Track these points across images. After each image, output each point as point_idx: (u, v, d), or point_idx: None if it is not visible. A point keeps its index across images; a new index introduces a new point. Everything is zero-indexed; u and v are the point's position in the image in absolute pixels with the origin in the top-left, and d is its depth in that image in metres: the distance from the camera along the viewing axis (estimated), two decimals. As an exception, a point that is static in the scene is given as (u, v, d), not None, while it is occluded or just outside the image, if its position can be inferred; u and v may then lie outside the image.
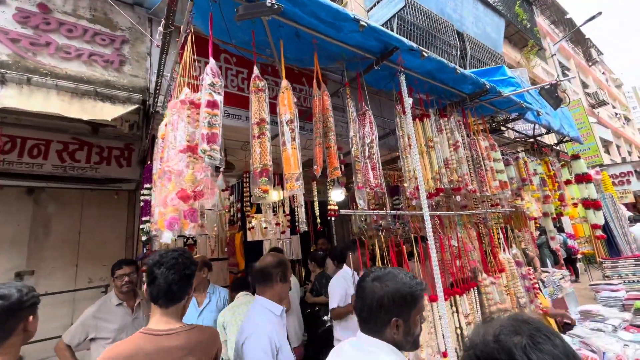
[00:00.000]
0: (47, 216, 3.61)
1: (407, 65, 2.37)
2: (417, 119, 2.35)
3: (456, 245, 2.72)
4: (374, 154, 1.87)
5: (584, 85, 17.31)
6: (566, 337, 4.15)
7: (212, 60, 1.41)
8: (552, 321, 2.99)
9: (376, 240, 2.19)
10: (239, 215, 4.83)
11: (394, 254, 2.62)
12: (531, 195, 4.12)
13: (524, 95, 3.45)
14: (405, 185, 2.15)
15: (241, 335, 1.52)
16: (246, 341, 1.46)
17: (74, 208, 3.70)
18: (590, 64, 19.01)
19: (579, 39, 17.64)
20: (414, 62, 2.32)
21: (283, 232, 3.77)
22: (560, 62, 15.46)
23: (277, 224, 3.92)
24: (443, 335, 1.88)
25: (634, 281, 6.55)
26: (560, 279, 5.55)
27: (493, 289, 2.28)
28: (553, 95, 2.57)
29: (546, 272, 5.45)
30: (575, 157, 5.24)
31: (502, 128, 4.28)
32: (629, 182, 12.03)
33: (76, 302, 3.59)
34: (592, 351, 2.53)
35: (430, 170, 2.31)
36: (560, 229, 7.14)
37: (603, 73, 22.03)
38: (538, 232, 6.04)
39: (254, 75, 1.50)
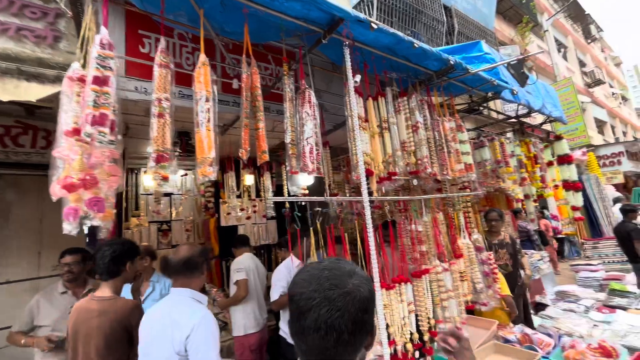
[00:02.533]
0: (6, 204, 3.50)
1: (361, 39, 2.18)
2: (370, 98, 2.18)
3: (421, 230, 2.63)
4: (311, 137, 1.72)
5: (581, 64, 16.86)
6: (535, 318, 4.17)
7: (103, 30, 1.24)
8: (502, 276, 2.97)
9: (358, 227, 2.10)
10: (213, 200, 4.74)
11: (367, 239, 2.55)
12: (507, 178, 4.01)
13: (498, 72, 3.26)
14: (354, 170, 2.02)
15: (181, 332, 1.39)
16: (192, 334, 1.37)
17: (33, 195, 3.58)
18: (589, 41, 18.45)
19: (578, 15, 17.01)
20: (368, 36, 2.13)
21: (248, 218, 3.68)
22: (557, 39, 14.97)
23: (242, 209, 3.82)
24: (391, 325, 1.82)
25: (613, 262, 6.60)
26: (539, 260, 5.55)
27: (445, 276, 2.20)
28: (519, 71, 2.40)
29: (525, 254, 5.43)
30: (558, 137, 5.10)
31: (478, 108, 4.10)
32: (619, 162, 11.94)
33: (40, 290, 3.53)
34: (549, 335, 2.49)
35: (383, 154, 2.18)
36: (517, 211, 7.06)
37: (602, 51, 21.46)
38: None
39: (160, 48, 1.33)
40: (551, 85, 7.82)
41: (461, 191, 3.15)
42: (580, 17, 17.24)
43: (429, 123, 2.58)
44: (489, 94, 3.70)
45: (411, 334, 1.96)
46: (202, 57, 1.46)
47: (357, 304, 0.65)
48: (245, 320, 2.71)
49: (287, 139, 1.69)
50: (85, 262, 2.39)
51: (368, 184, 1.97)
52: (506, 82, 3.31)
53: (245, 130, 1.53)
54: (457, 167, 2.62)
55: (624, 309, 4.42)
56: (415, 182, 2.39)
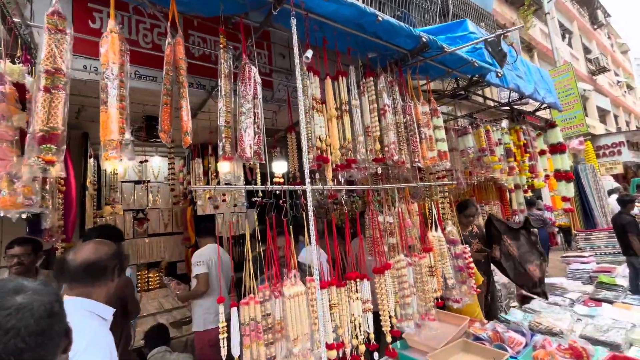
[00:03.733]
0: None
1: (319, 11, 1.95)
2: (328, 77, 1.97)
3: (391, 221, 2.46)
4: (249, 119, 1.53)
5: (586, 51, 16.32)
6: (518, 312, 4.05)
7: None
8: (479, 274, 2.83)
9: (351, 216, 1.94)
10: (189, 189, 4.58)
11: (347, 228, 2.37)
12: (493, 167, 3.81)
13: (483, 54, 3.02)
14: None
15: None
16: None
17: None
18: (595, 27, 17.80)
19: (585, -1, 16.35)
20: (327, 7, 1.90)
21: (217, 207, 3.53)
22: (562, 25, 14.44)
23: (210, 197, 3.67)
24: (337, 325, 1.67)
25: (605, 253, 6.45)
26: (527, 252, 5.41)
27: (409, 271, 2.04)
28: (496, 49, 2.17)
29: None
30: (552, 125, 4.86)
31: (464, 93, 3.86)
32: (619, 152, 11.67)
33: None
34: (522, 333, 2.35)
35: (343, 139, 1.99)
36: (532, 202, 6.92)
37: (609, 37, 20.76)
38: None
39: (51, 10, 1.13)
40: (550, 71, 7.50)
41: (439, 181, 2.98)
42: (587, 1, 16.58)
43: (399, 107, 2.37)
44: (475, 77, 3.46)
45: (368, 334, 1.82)
46: (111, 24, 1.26)
47: (31, 321, 0.61)
48: (205, 315, 2.59)
49: (221, 121, 1.50)
50: (36, 253, 2.25)
51: (321, 171, 1.79)
52: (491, 64, 3.07)
53: (164, 109, 1.34)
54: (429, 154, 2.43)
55: (611, 302, 4.29)
56: (379, 170, 2.21)
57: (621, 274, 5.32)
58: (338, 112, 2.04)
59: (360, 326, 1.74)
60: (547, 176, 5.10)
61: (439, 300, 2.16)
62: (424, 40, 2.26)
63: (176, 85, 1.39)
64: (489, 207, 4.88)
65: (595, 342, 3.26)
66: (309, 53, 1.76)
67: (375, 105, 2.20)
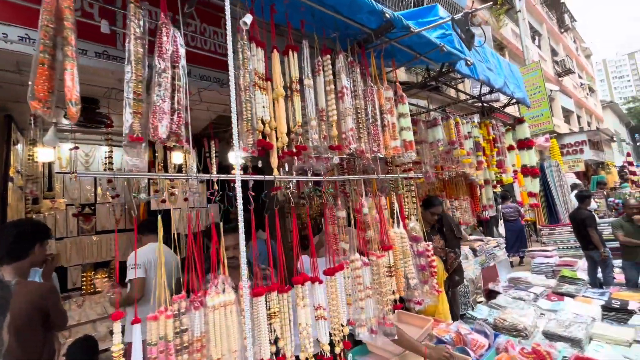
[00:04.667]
0: None
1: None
2: (276, 51, 1.71)
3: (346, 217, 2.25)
4: (165, 91, 1.24)
5: (554, 53, 16.99)
6: (484, 307, 4.01)
7: None
8: (440, 264, 2.71)
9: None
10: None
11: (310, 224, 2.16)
12: (462, 161, 3.71)
13: (453, 41, 2.85)
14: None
15: None
16: None
17: None
18: (562, 30, 18.58)
19: (554, 2, 16.97)
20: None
21: (163, 202, 3.18)
22: (532, 27, 14.88)
23: (157, 191, 3.32)
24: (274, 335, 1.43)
25: (567, 247, 6.66)
26: (495, 247, 5.43)
27: (365, 272, 1.84)
28: (464, 28, 1.99)
29: (480, 240, 5.28)
30: (520, 121, 4.85)
31: (435, 83, 3.72)
32: (582, 151, 12.24)
33: None
34: (485, 334, 2.23)
35: (292, 122, 1.73)
36: (505, 196, 7.04)
37: (574, 41, 21.78)
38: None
39: None
40: (520, 69, 7.61)
41: (405, 173, 2.80)
42: (555, 5, 17.23)
43: (360, 90, 2.14)
44: (445, 67, 3.31)
45: (320, 344, 1.60)
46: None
47: None
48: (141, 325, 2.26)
49: (129, 93, 1.20)
50: None
51: (261, 159, 1.53)
52: (461, 51, 2.91)
53: (40, 69, 1.02)
54: (393, 143, 2.23)
55: (573, 296, 4.37)
56: (336, 159, 1.98)
57: (582, 268, 5.46)
58: (288, 92, 1.78)
59: (305, 337, 1.51)
60: (515, 171, 5.12)
61: (398, 303, 1.97)
62: (387, 16, 2.04)
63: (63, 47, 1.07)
64: (459, 202, 4.82)
65: (558, 337, 3.24)
66: (247, 18, 1.48)
67: (332, 86, 1.96)
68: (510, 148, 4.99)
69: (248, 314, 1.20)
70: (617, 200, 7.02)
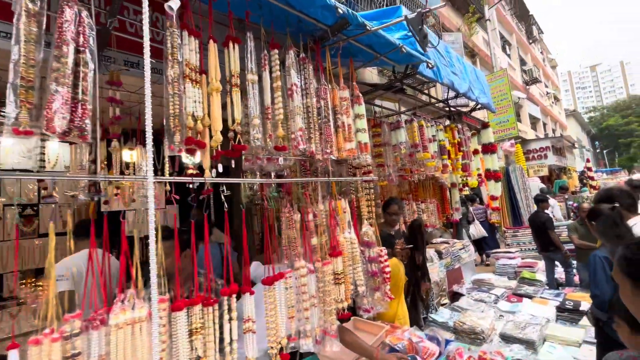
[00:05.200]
0: None
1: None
2: (212, 41, 1.57)
3: (311, 219, 2.14)
4: (62, 77, 1.08)
5: (522, 62, 17.78)
6: (446, 310, 4.03)
7: None
8: (401, 267, 2.67)
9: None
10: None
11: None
12: (426, 164, 3.71)
13: (415, 43, 2.82)
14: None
15: None
16: None
17: None
18: (530, 41, 19.50)
19: (523, 14, 17.77)
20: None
21: (106, 203, 2.95)
22: (502, 36, 15.48)
23: (99, 191, 3.07)
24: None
25: (529, 249, 6.91)
26: (460, 249, 5.52)
27: (310, 280, 1.73)
28: (416, 27, 1.94)
29: (446, 243, 5.35)
30: (485, 125, 4.95)
31: (398, 85, 3.70)
32: (545, 156, 12.85)
33: None
34: (438, 341, 2.19)
35: (231, 120, 1.60)
36: (474, 199, 7.23)
37: (541, 52, 22.96)
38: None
39: None
40: (487, 76, 7.84)
41: (365, 176, 2.73)
42: (524, 17, 18.04)
43: (313, 89, 2.04)
44: (409, 68, 3.29)
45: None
46: None
47: None
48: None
49: (14, 78, 1.02)
50: None
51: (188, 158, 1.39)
52: (422, 54, 2.89)
53: None
54: (347, 145, 2.14)
55: (531, 297, 4.50)
56: (282, 160, 1.87)
57: (542, 269, 5.67)
58: (228, 87, 1.64)
59: (230, 353, 1.38)
60: (479, 175, 5.22)
61: (345, 312, 1.88)
62: (341, 12, 1.95)
63: None
64: (426, 205, 4.85)
65: (514, 339, 3.29)
66: (174, 2, 1.33)
67: (280, 83, 1.84)
68: (475, 152, 5.10)
69: (155, 332, 1.06)
70: (575, 204, 7.37)
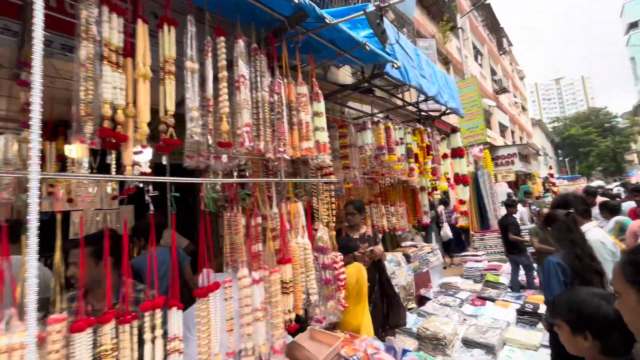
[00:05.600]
0: None
1: None
2: (141, 21, 1.38)
3: (260, 223, 1.99)
4: None
5: (493, 72, 18.55)
6: (411, 316, 3.99)
7: None
8: (364, 272, 2.56)
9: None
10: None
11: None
12: (393, 167, 3.65)
13: (377, 42, 2.73)
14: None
15: None
16: None
17: None
18: (501, 52, 20.41)
19: (493, 26, 18.56)
20: None
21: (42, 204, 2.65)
22: (475, 46, 16.07)
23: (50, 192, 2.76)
24: None
25: (495, 252, 7.10)
26: (429, 253, 5.54)
27: (255, 290, 1.57)
28: (374, 22, 1.86)
29: (414, 246, 5.35)
30: (454, 130, 5.01)
31: (366, 85, 3.63)
32: (513, 162, 13.41)
33: None
34: (394, 351, 2.10)
35: (163, 111, 1.42)
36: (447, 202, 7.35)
37: (510, 64, 24.12)
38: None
39: None
40: (458, 82, 8.02)
41: (326, 177, 2.61)
42: (495, 29, 18.85)
43: (266, 83, 1.89)
44: (376, 68, 3.21)
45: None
46: None
47: None
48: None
49: None
50: None
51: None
52: (388, 54, 2.82)
53: None
54: (304, 144, 2.01)
55: (494, 300, 4.58)
56: (225, 158, 1.71)
57: (506, 272, 5.82)
58: (162, 74, 1.45)
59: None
60: (448, 179, 5.28)
61: (294, 323, 1.74)
62: (296, 1, 1.82)
63: None
64: (395, 208, 4.82)
65: (475, 344, 3.29)
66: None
67: (226, 73, 1.68)
68: (445, 156, 5.14)
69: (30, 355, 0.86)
70: (537, 209, 7.68)
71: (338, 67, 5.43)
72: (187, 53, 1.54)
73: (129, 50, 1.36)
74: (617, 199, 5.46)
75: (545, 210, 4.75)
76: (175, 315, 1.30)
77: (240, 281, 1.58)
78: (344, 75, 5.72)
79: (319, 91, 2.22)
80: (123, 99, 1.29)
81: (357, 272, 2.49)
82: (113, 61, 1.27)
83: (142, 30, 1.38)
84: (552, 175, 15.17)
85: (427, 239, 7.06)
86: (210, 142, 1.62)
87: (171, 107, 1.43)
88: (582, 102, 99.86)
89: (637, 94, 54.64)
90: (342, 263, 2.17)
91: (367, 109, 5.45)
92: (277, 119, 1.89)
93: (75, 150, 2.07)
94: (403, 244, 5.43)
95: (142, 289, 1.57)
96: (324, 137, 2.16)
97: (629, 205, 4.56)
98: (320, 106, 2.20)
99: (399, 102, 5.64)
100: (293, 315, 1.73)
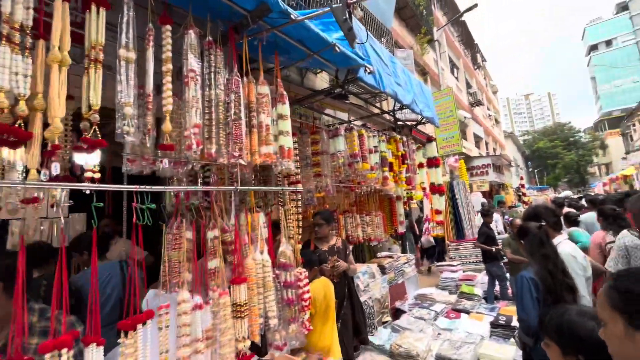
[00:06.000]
0: None
1: None
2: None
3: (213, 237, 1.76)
4: None
5: (468, 85, 19.26)
6: (385, 331, 3.84)
7: None
8: (331, 287, 2.40)
9: None
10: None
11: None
12: (367, 176, 3.53)
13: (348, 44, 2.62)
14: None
15: None
16: None
17: None
18: (475, 67, 21.28)
19: (468, 41, 19.34)
20: None
21: None
22: (451, 60, 16.61)
23: None
24: None
25: (470, 262, 7.14)
26: (404, 263, 5.45)
27: (196, 317, 1.35)
28: (341, 18, 1.73)
29: (389, 257, 5.25)
30: (430, 139, 5.00)
31: (341, 91, 3.53)
32: (487, 173, 13.81)
33: None
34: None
35: (86, 106, 1.20)
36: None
37: (484, 78, 25.21)
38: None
39: None
40: (435, 93, 8.16)
41: (292, 186, 2.43)
42: (470, 44, 19.66)
43: (222, 80, 1.70)
44: (349, 72, 3.11)
45: None
46: None
47: None
48: None
49: None
50: None
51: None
52: (362, 58, 2.72)
53: None
54: (263, 149, 1.82)
55: (468, 312, 4.52)
56: (166, 162, 1.49)
57: (481, 282, 5.84)
58: (87, 62, 1.23)
59: None
60: (424, 188, 5.24)
61: (249, 352, 1.52)
62: (256, -8, 1.66)
63: None
64: (370, 218, 4.70)
65: (448, 361, 3.18)
66: None
67: (170, 66, 1.48)
68: (421, 166, 5.11)
69: None
70: (510, 218, 7.84)
71: (315, 72, 5.33)
72: (121, 40, 1.33)
73: (42, 31, 1.14)
74: (582, 209, 5.64)
75: (518, 222, 4.81)
76: (93, 356, 1.06)
77: (180, 306, 1.35)
78: (322, 81, 5.62)
79: (284, 92, 2.06)
80: (26, 87, 1.06)
81: (324, 287, 2.31)
82: (15, 42, 1.04)
83: (59, 7, 1.16)
84: (523, 186, 15.80)
85: (402, 249, 7.03)
86: (148, 144, 1.40)
87: (96, 101, 1.21)
88: (549, 117, 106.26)
89: (597, 111, 58.82)
90: (307, 281, 1.97)
91: (344, 116, 5.36)
92: (232, 120, 1.70)
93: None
94: (379, 255, 5.31)
95: (57, 315, 1.30)
96: (288, 142, 1.99)
97: (588, 216, 4.67)
98: (285, 108, 2.03)
99: (376, 111, 5.61)
100: (248, 343, 1.52)
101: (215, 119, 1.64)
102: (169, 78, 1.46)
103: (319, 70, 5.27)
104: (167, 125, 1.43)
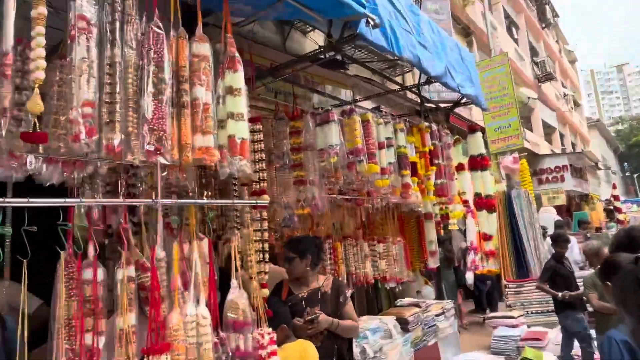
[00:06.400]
0: None
1: None
2: None
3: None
4: None
5: (533, 52, 19.34)
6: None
7: None
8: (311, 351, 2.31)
9: None
10: None
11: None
12: (375, 182, 3.44)
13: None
14: None
15: None
16: None
17: None
18: (543, 25, 21.44)
19: (533, -11, 19.53)
20: None
21: None
22: (507, 14, 16.72)
23: None
24: None
25: (538, 312, 6.99)
26: (438, 315, 5.31)
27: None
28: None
29: (416, 305, 5.11)
30: (473, 129, 4.92)
31: (335, 56, 3.47)
32: (562, 178, 13.70)
33: None
34: None
35: None
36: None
37: (557, 41, 25.38)
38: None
39: None
40: (483, 62, 8.12)
41: (258, 198, 2.33)
42: (535, -7, 19.83)
43: (130, 33, 1.62)
44: (347, 27, 3.04)
45: None
46: None
47: None
48: None
49: None
50: None
51: None
52: (363, 5, 2.64)
53: None
54: (198, 140, 1.73)
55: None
56: (32, 161, 1.39)
57: (554, 342, 5.69)
58: None
59: None
60: (465, 202, 5.14)
61: None
62: None
63: None
64: (385, 246, 4.59)
65: None
66: None
67: (43, 11, 1.39)
68: (460, 167, 5.01)
69: None
70: (592, 245, 7.70)
71: (304, 31, 5.29)
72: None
73: None
74: None
75: (605, 251, 4.69)
76: None
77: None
78: (313, 45, 5.57)
79: (236, 55, 1.96)
80: None
81: (300, 356, 2.20)
82: None
83: None
84: (617, 198, 15.61)
85: (437, 292, 6.88)
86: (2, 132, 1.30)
87: None
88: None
89: None
90: (275, 347, 1.89)
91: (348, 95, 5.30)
92: (150, 95, 1.60)
93: None
94: (399, 302, 5.18)
95: None
96: (241, 130, 1.89)
97: None
98: (238, 78, 1.94)
99: (394, 87, 5.55)
100: None
101: (121, 94, 1.55)
102: (40, 29, 1.36)
103: (309, 29, 5.23)
104: (34, 103, 1.32)
